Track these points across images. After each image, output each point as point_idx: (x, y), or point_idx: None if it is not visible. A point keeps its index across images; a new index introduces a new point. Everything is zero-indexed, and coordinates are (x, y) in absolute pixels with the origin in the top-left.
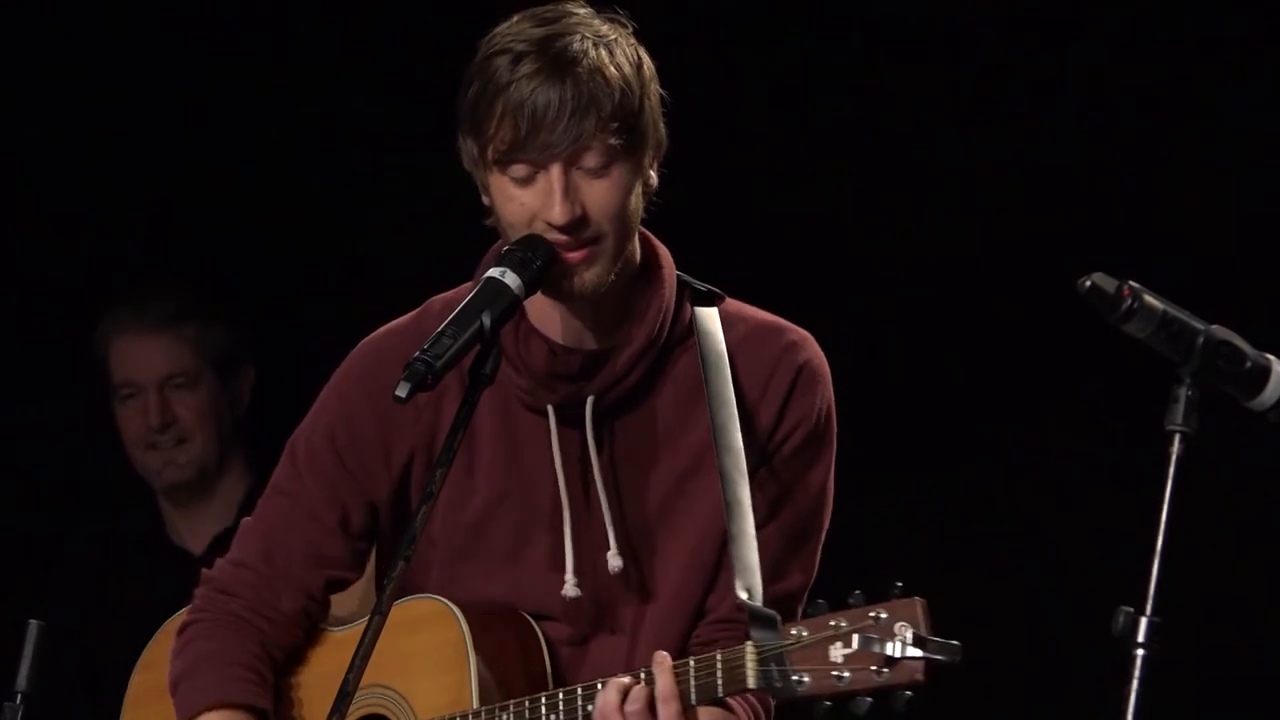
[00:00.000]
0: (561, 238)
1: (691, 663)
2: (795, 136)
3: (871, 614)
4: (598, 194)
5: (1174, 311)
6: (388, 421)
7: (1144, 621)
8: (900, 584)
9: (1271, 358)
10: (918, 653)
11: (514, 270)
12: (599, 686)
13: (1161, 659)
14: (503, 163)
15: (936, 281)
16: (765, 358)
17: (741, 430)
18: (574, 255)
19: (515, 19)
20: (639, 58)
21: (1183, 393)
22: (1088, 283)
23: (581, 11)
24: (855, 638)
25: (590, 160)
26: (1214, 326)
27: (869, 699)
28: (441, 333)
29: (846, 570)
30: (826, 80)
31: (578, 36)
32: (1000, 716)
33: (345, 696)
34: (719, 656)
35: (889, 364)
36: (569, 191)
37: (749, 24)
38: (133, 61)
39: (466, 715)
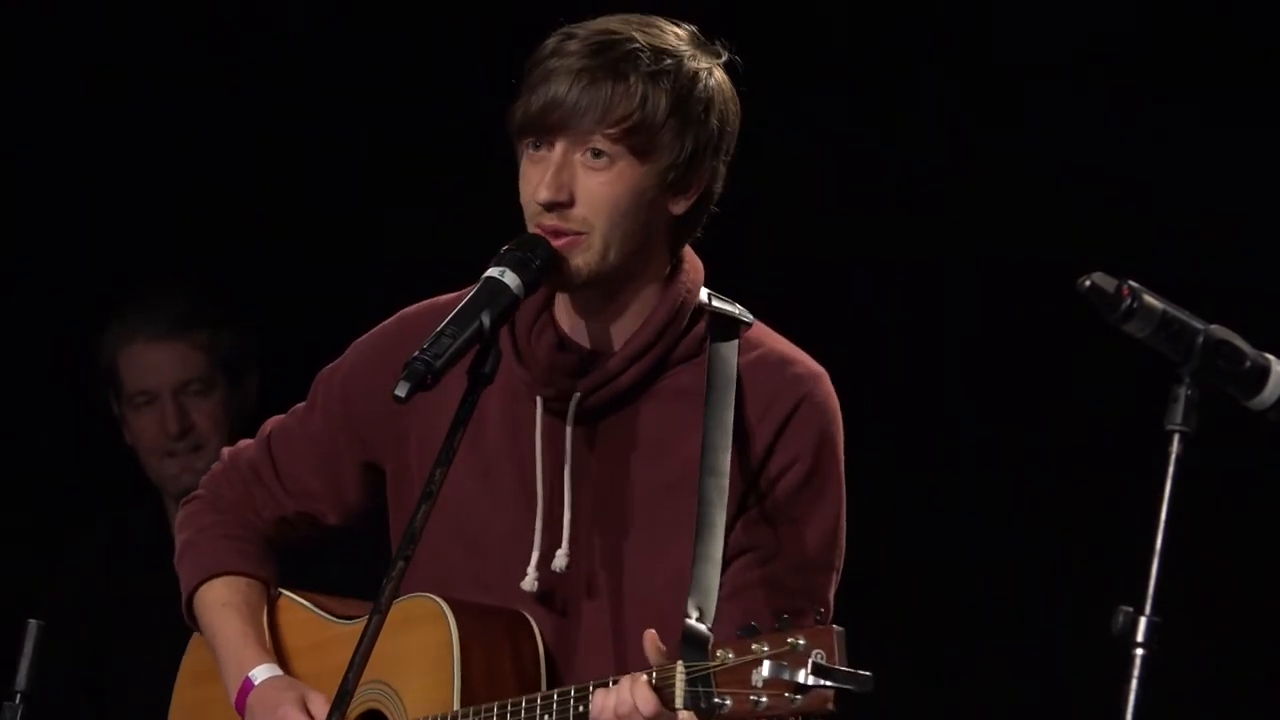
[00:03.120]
0: (546, 220)
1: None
2: (793, 134)
3: (789, 640)
4: (592, 184)
5: (1173, 311)
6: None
7: (1143, 621)
8: (823, 611)
9: (1271, 357)
10: (826, 682)
11: (513, 270)
12: (571, 693)
13: (1161, 659)
14: (519, 133)
15: (935, 281)
16: (769, 385)
17: (735, 455)
18: (556, 242)
19: (618, 15)
20: (699, 84)
21: (1182, 392)
22: (1087, 282)
23: (673, 29)
24: (768, 666)
25: (593, 151)
26: (1213, 326)
27: None
28: (441, 332)
29: (846, 571)
30: (826, 80)
31: (640, 43)
32: (1001, 716)
33: (345, 695)
34: (655, 674)
35: (889, 363)
36: (561, 172)
37: (750, 28)
38: (139, 62)
39: (446, 716)
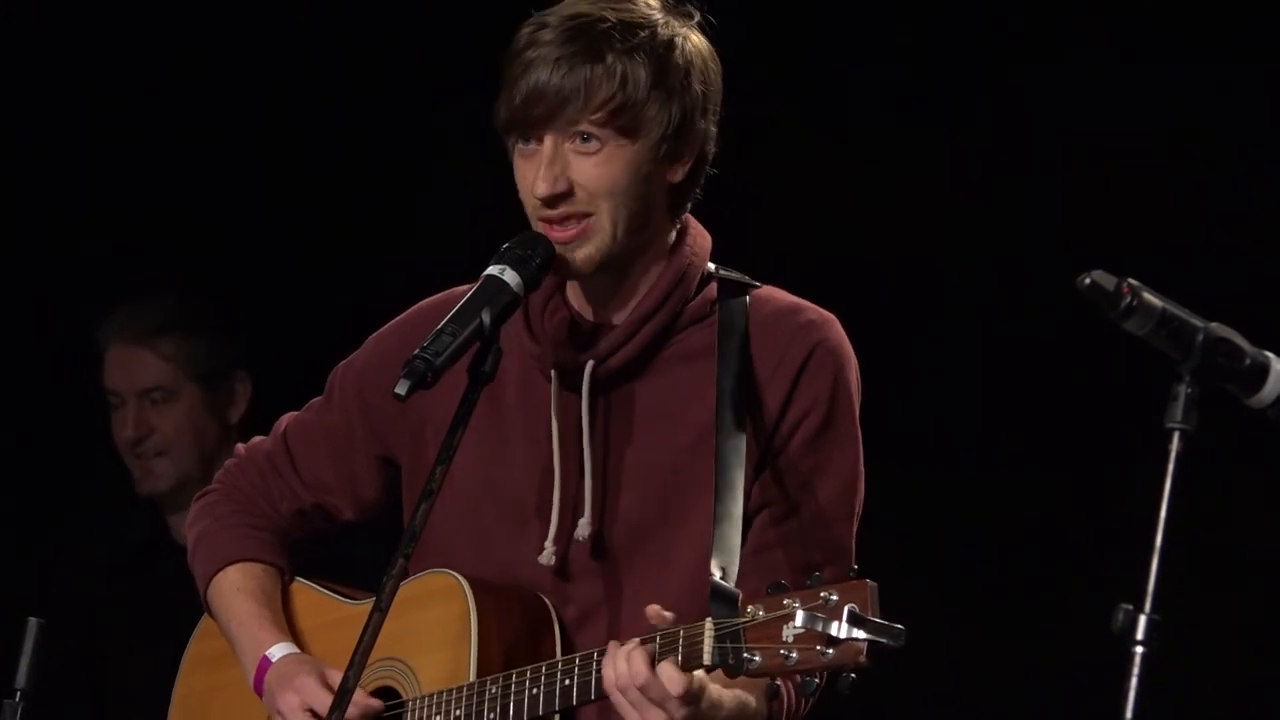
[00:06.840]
0: (548, 212)
1: (656, 639)
2: (793, 132)
3: (822, 594)
4: (587, 169)
5: (1173, 309)
6: None
7: (1143, 619)
8: (856, 567)
9: (1270, 355)
10: (860, 634)
11: (513, 268)
12: (595, 655)
13: (1161, 657)
14: (506, 130)
15: (935, 279)
16: (780, 335)
17: (751, 409)
18: (560, 235)
19: None
20: (676, 51)
21: (1182, 390)
22: (1087, 280)
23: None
24: (801, 616)
25: (581, 136)
26: (1213, 324)
27: (816, 679)
28: (441, 330)
29: None
30: (828, 81)
31: (611, 21)
32: (1001, 716)
33: (345, 694)
34: (681, 632)
35: (888, 362)
36: (554, 164)
37: (758, 22)
38: (132, 66)
39: (461, 688)
